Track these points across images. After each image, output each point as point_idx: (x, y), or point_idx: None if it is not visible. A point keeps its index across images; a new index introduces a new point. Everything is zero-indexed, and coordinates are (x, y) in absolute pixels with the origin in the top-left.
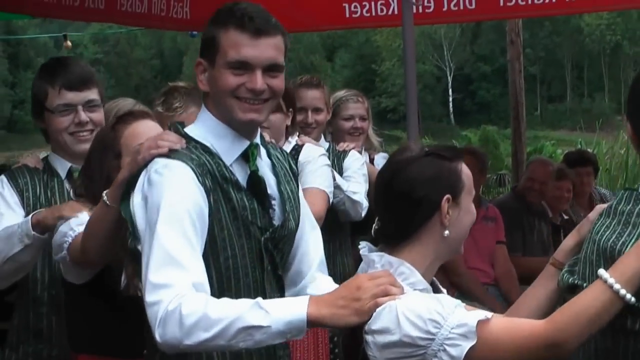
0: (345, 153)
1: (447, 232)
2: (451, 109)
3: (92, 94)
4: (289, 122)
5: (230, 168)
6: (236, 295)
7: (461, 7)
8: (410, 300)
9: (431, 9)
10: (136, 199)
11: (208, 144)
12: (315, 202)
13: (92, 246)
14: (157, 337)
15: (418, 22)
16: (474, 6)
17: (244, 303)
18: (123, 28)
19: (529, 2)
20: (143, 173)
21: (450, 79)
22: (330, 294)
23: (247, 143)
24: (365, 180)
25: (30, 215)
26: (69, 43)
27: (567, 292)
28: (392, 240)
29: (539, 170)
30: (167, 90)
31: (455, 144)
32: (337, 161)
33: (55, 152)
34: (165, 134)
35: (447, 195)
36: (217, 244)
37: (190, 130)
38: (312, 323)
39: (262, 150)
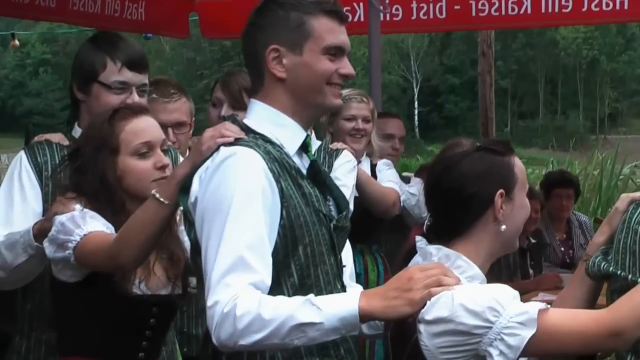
0: (338, 152)
1: (503, 226)
2: (416, 122)
3: (146, 79)
4: None
5: (292, 158)
6: (316, 282)
7: (431, 16)
8: (467, 289)
9: (399, 17)
10: (194, 189)
11: (268, 134)
12: None
13: (131, 249)
14: (214, 338)
15: (385, 31)
16: (444, 15)
17: (296, 300)
18: (74, 28)
19: (502, 12)
20: (208, 162)
21: (416, 91)
22: (381, 287)
23: (305, 133)
24: (353, 185)
25: (31, 226)
26: (17, 42)
27: (598, 279)
28: (445, 237)
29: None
30: (155, 81)
31: (420, 159)
32: (327, 159)
33: (83, 129)
34: (226, 124)
35: (500, 190)
36: (295, 231)
37: (248, 122)
38: (365, 317)
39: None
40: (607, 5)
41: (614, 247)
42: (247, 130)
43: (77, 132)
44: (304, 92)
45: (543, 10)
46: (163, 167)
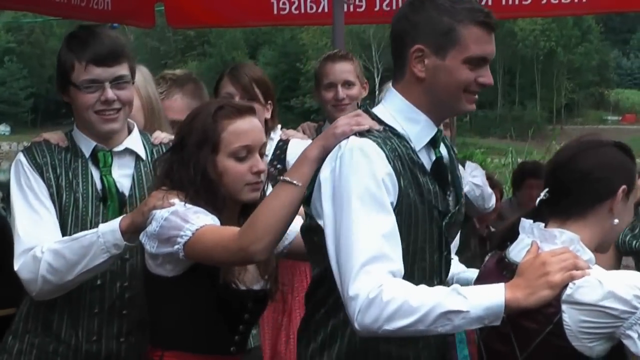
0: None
1: (616, 220)
2: None
3: (122, 70)
4: (268, 115)
5: (418, 153)
6: (409, 279)
7: (394, 8)
8: (612, 276)
9: (363, 8)
10: (323, 174)
11: (398, 127)
12: None
13: (263, 237)
14: (355, 324)
15: (349, 21)
16: None
17: (441, 289)
18: (39, 17)
19: None
20: (336, 148)
21: (377, 81)
22: (516, 278)
23: (435, 129)
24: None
25: (117, 223)
26: None
27: (631, 254)
28: (560, 214)
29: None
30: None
31: None
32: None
33: (79, 130)
34: (361, 113)
35: (624, 187)
36: (401, 228)
37: (377, 111)
38: (511, 307)
39: None
40: None
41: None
42: (378, 121)
43: (77, 133)
44: (440, 95)
45: (503, 3)
46: (259, 172)
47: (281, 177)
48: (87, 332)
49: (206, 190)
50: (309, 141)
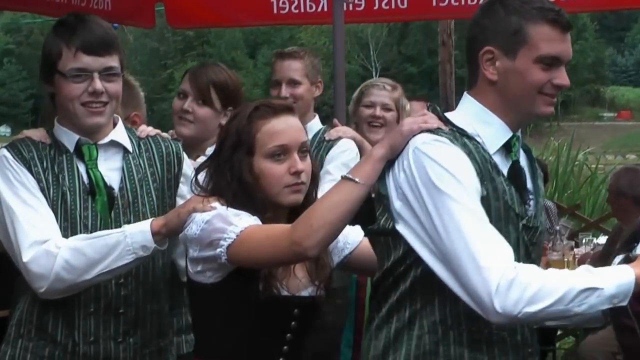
0: (333, 142)
1: None
2: None
3: (112, 61)
4: (223, 122)
5: (492, 156)
6: None
7: (392, 7)
8: None
9: (362, 7)
10: (397, 174)
11: (471, 130)
12: None
13: (319, 232)
14: (497, 308)
15: (348, 20)
16: (405, 6)
17: (573, 271)
18: (38, 18)
19: (462, 3)
20: (408, 147)
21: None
22: None
23: (511, 134)
24: None
25: (147, 224)
26: None
27: None
28: None
29: None
30: None
31: None
32: (320, 151)
33: (61, 124)
34: (428, 113)
35: None
36: None
37: (449, 115)
38: (638, 285)
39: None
40: None
41: None
42: (445, 121)
43: (58, 129)
44: (513, 97)
45: None
46: (297, 173)
47: (343, 174)
48: (83, 333)
49: (243, 194)
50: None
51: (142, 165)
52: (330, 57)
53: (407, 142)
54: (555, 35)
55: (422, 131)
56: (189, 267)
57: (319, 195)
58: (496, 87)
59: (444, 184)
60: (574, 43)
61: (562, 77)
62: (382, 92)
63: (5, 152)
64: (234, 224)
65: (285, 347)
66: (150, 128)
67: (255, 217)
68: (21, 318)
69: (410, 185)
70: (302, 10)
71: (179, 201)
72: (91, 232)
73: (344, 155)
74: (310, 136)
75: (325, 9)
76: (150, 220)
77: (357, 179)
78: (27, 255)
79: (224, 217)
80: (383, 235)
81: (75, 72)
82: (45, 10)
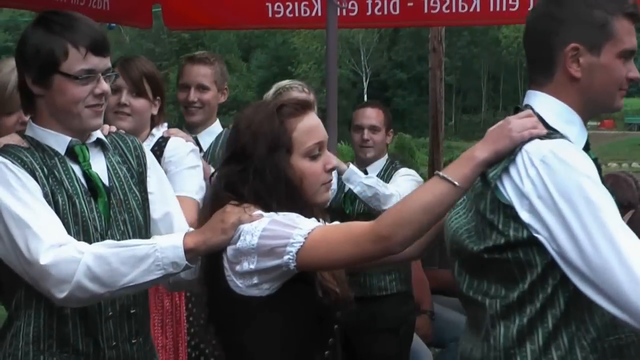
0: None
1: None
2: None
3: (109, 61)
4: (155, 112)
5: None
6: None
7: (385, 12)
8: None
9: (355, 13)
10: (520, 184)
11: (561, 130)
12: (185, 214)
13: (409, 230)
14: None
15: (342, 25)
16: (397, 12)
17: None
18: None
19: (453, 10)
20: (524, 154)
21: (365, 85)
22: None
23: (587, 132)
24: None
25: (179, 239)
26: None
27: None
28: None
29: None
30: None
31: None
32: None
33: (45, 125)
34: (532, 114)
35: None
36: None
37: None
38: None
39: None
40: None
41: None
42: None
43: (33, 130)
44: (595, 94)
45: (491, 9)
46: (332, 170)
47: (436, 172)
48: (106, 338)
49: (289, 197)
50: (190, 144)
51: (119, 162)
52: (322, 62)
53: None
54: (632, 29)
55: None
56: (236, 282)
57: None
58: (579, 85)
59: (591, 194)
60: None
61: (634, 70)
62: (302, 95)
63: (1, 158)
64: (297, 227)
65: (327, 352)
66: (107, 125)
67: (313, 219)
68: (39, 334)
69: (541, 196)
70: (297, 14)
71: (151, 198)
72: (101, 234)
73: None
74: (213, 138)
75: (319, 13)
76: (182, 234)
77: (456, 182)
78: (46, 258)
79: (283, 222)
80: (519, 247)
81: (85, 74)
82: (45, 8)
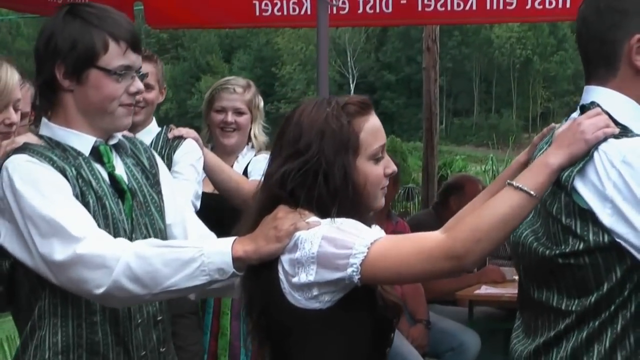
0: (179, 142)
1: None
2: None
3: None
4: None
5: None
6: None
7: (377, 11)
8: None
9: (346, 11)
10: (602, 187)
11: (630, 127)
12: None
13: (484, 246)
14: None
15: (333, 24)
16: (390, 10)
17: None
18: (5, 15)
19: (448, 8)
20: (601, 154)
21: (352, 87)
22: None
23: None
24: (196, 178)
25: (227, 246)
26: None
27: None
28: None
29: (473, 189)
30: None
31: None
32: (167, 151)
33: (67, 126)
34: (601, 112)
35: None
36: None
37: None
38: None
39: None
40: (550, 3)
41: None
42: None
43: (51, 129)
44: None
45: (488, 7)
46: (391, 174)
47: (509, 182)
48: (136, 346)
49: (352, 202)
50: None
51: (134, 164)
52: (307, 62)
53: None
54: None
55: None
56: (294, 295)
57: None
58: (637, 78)
59: None
60: (555, 54)
61: None
62: (234, 96)
63: (26, 157)
64: (359, 236)
65: None
66: None
67: (377, 228)
68: (68, 343)
69: (627, 199)
70: (285, 12)
71: (169, 204)
72: (129, 238)
73: (191, 156)
74: (152, 137)
75: (309, 11)
76: (230, 241)
77: (532, 192)
78: (83, 248)
79: (343, 230)
80: (598, 252)
81: (123, 70)
82: (22, 6)
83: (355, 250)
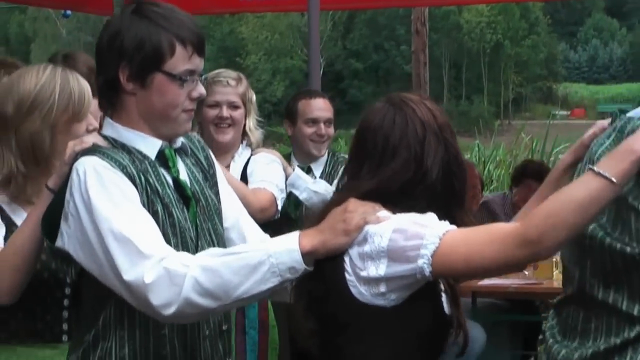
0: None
1: None
2: None
3: None
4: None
5: None
6: None
7: None
8: None
9: None
10: None
11: None
12: None
13: (561, 232)
14: None
15: (323, 7)
16: None
17: None
18: None
19: None
20: None
21: (320, 75)
22: None
23: None
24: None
25: (294, 243)
26: None
27: None
28: None
29: (473, 175)
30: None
31: (341, 142)
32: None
33: (132, 128)
34: None
35: None
36: None
37: None
38: None
39: None
40: None
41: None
42: None
43: (116, 130)
44: None
45: None
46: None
47: (590, 167)
48: (204, 359)
49: (448, 191)
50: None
51: (194, 164)
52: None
53: None
54: None
55: None
56: (360, 289)
57: None
58: None
59: None
60: (527, 38)
61: None
62: (227, 89)
63: (98, 160)
64: (428, 226)
65: None
66: None
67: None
68: (135, 357)
69: None
70: None
71: (226, 206)
72: (196, 246)
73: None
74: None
75: None
76: (295, 237)
77: (613, 179)
78: (150, 275)
79: (413, 221)
80: None
81: (187, 75)
82: None
83: (426, 241)
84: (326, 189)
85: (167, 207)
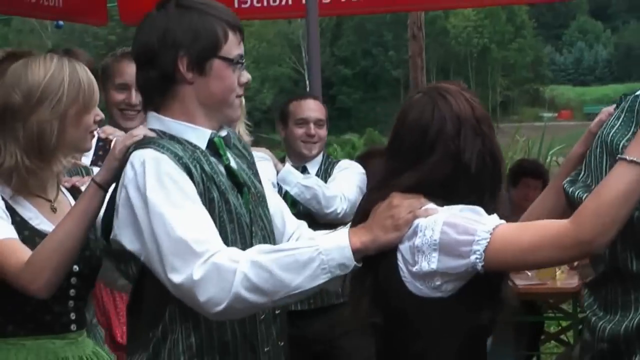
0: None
1: None
2: None
3: None
4: None
5: None
6: None
7: None
8: None
9: (329, 0)
10: None
11: None
12: None
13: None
14: None
15: (322, 13)
16: None
17: None
18: None
19: None
20: None
21: (308, 83)
22: None
23: None
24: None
25: (344, 239)
26: None
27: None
28: None
29: None
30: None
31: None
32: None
33: (182, 119)
34: None
35: None
36: None
37: None
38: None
39: None
40: None
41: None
42: None
43: (164, 123)
44: None
45: None
46: None
47: (620, 157)
48: (261, 342)
49: (490, 180)
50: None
51: (237, 154)
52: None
53: None
54: None
55: None
56: (416, 284)
57: None
58: None
59: None
60: (513, 41)
61: None
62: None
63: (154, 152)
64: (480, 221)
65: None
66: (110, 127)
67: (494, 215)
68: (201, 346)
69: None
70: (265, 4)
71: (267, 194)
72: (251, 232)
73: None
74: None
75: (290, 2)
76: (345, 234)
77: None
78: (199, 272)
79: (464, 215)
80: None
81: (240, 59)
82: None
83: (478, 237)
84: (317, 184)
85: (224, 195)
